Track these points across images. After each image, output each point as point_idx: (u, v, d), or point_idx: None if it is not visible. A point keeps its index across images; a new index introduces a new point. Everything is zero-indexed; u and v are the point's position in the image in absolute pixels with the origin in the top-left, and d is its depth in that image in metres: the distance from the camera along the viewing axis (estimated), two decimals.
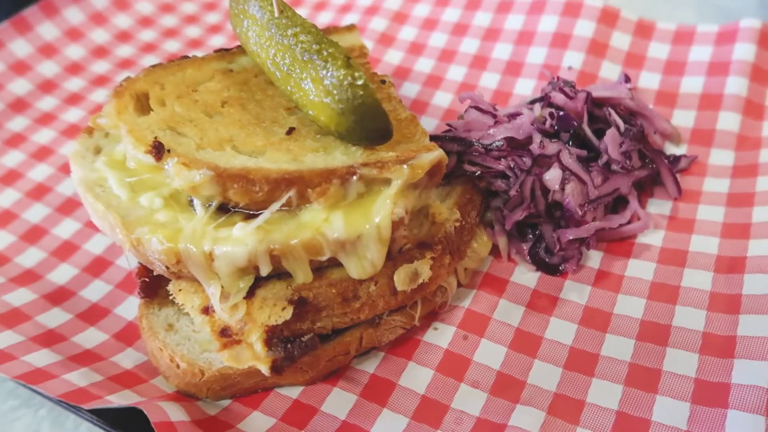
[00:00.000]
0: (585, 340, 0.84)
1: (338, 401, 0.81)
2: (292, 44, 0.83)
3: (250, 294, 0.78)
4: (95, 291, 0.98)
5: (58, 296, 0.98)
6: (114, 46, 1.50)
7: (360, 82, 0.76)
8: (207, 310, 0.78)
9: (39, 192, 1.16)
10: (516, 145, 0.94)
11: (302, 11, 1.52)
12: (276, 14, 0.88)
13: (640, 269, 0.92)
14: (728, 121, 1.10)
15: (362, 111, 0.76)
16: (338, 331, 0.82)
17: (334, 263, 0.79)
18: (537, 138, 0.94)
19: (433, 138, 0.92)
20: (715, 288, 0.87)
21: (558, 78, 1.09)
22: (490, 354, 0.84)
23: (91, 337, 0.91)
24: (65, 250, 1.05)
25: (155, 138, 0.79)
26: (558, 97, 1.00)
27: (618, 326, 0.85)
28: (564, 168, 0.91)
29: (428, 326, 0.89)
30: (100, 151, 0.94)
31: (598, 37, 1.25)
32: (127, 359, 0.88)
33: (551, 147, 0.93)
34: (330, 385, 0.83)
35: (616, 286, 0.90)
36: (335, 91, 0.77)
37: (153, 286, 0.89)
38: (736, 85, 1.13)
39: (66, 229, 1.09)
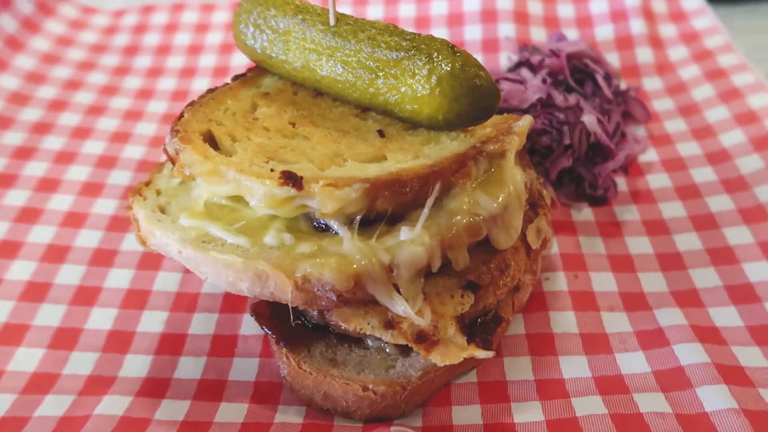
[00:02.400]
0: (660, 245, 1.00)
1: (517, 365, 0.85)
2: (371, 47, 0.83)
3: None
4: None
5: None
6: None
7: (473, 66, 0.79)
8: (390, 325, 0.76)
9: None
10: (544, 104, 1.06)
11: None
12: (332, 23, 0.86)
13: (658, 181, 1.11)
14: (644, 54, 1.36)
15: (479, 92, 0.80)
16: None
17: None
18: (557, 94, 1.06)
19: None
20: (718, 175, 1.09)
21: (527, 45, 1.23)
22: (604, 281, 0.95)
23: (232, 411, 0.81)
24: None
25: (283, 170, 0.73)
26: (547, 59, 1.14)
27: (676, 226, 1.02)
28: (590, 113, 1.05)
29: (540, 279, 0.96)
30: (163, 209, 0.83)
31: (518, 8, 1.43)
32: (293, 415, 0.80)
33: (571, 99, 1.07)
34: (498, 357, 0.86)
35: (651, 197, 1.08)
36: (450, 79, 0.79)
37: (289, 334, 0.82)
38: (638, 26, 1.39)
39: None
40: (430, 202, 0.77)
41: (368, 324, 0.76)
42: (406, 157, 0.80)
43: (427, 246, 0.75)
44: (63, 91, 1.35)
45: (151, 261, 1.01)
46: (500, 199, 0.81)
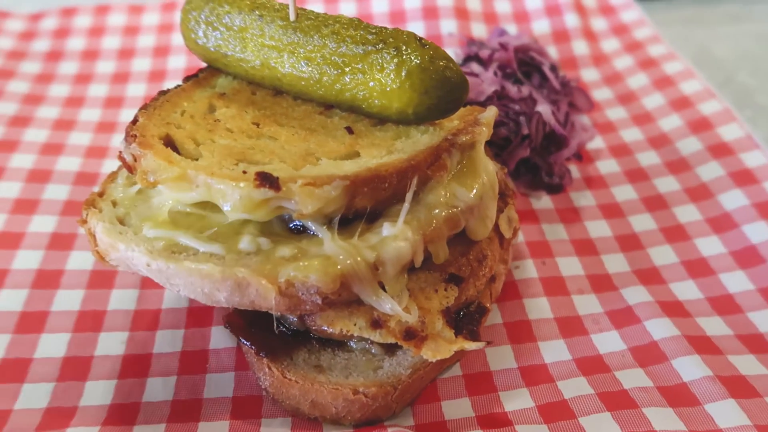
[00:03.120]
0: (617, 227, 1.04)
1: (499, 355, 0.85)
2: (336, 42, 0.81)
3: None
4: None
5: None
6: None
7: (442, 59, 0.79)
8: (377, 324, 0.74)
9: None
10: (500, 96, 1.07)
11: None
12: (292, 18, 0.83)
13: (608, 167, 1.15)
14: (580, 47, 1.41)
15: (449, 84, 0.80)
16: None
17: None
18: (510, 86, 1.08)
19: None
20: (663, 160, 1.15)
21: (474, 40, 1.25)
22: (570, 266, 0.97)
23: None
24: None
25: (257, 172, 0.70)
26: (496, 53, 1.16)
27: (630, 208, 1.07)
28: (543, 103, 1.08)
29: (510, 269, 0.97)
30: (122, 221, 0.77)
31: (457, 4, 1.44)
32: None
33: (524, 90, 1.09)
34: (480, 349, 0.86)
35: (603, 182, 1.12)
36: (420, 72, 0.78)
37: (269, 344, 0.78)
38: (572, 20, 1.44)
39: None
40: (409, 196, 0.76)
41: (355, 325, 0.74)
42: (380, 152, 0.79)
43: (411, 241, 0.73)
44: None
45: (102, 279, 0.93)
46: (475, 189, 0.81)
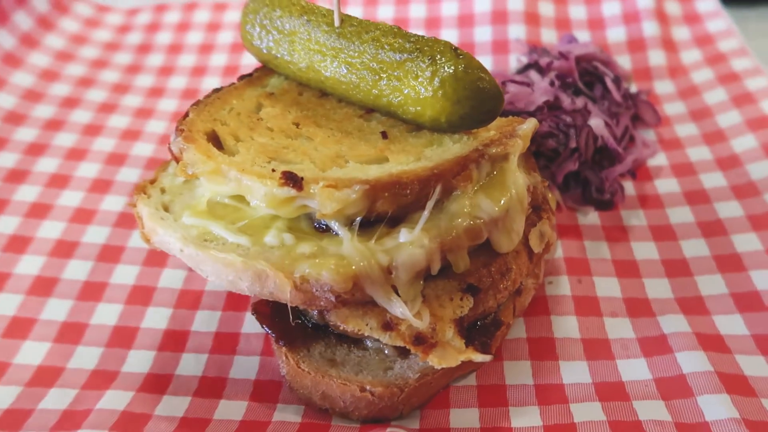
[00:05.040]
0: (666, 251, 0.99)
1: (517, 369, 0.84)
2: (375, 49, 0.83)
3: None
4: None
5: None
6: None
7: (476, 69, 0.79)
8: (388, 326, 0.76)
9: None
10: (551, 107, 1.05)
11: None
12: (337, 24, 0.86)
13: (667, 186, 1.10)
14: (656, 57, 1.34)
15: (482, 95, 0.80)
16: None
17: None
18: (565, 97, 1.05)
19: None
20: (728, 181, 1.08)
21: (536, 47, 1.22)
22: (608, 286, 0.94)
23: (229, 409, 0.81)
24: None
25: (284, 171, 0.74)
26: (556, 62, 1.13)
27: (683, 232, 1.01)
28: (597, 116, 1.05)
29: (543, 283, 0.96)
30: (167, 207, 0.84)
31: (529, 9, 1.42)
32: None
33: (579, 102, 1.06)
34: (498, 361, 0.86)
35: (659, 202, 1.07)
36: (453, 82, 0.79)
37: (289, 334, 0.83)
38: (651, 28, 1.37)
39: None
40: (430, 204, 0.77)
41: (366, 325, 0.76)
42: (408, 158, 0.80)
43: (426, 248, 0.75)
44: (76, 89, 1.37)
45: (156, 258, 1.02)
46: (502, 202, 0.80)
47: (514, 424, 0.77)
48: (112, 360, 0.88)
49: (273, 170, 0.76)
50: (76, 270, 1.00)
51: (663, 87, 1.30)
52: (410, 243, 0.74)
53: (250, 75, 0.97)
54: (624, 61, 1.34)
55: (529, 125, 0.87)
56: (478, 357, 0.75)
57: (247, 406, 0.81)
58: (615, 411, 0.76)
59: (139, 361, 0.88)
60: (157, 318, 0.93)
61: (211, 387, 0.84)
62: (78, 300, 0.96)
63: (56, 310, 0.94)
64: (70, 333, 0.91)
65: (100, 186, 1.15)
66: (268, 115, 0.89)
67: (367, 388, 0.77)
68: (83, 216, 1.09)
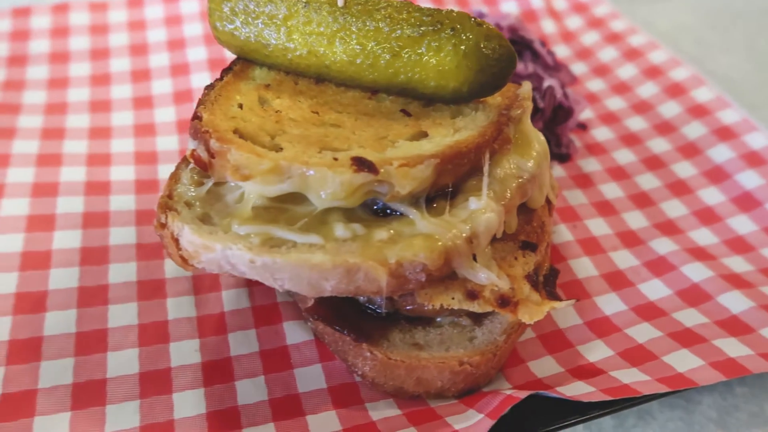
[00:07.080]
0: (627, 188, 1.13)
1: (562, 313, 0.90)
2: (390, 26, 0.82)
3: None
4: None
5: None
6: None
7: (496, 37, 0.82)
8: (473, 295, 0.76)
9: None
10: None
11: None
12: (341, 4, 0.83)
13: (603, 134, 1.24)
14: (548, 26, 1.50)
15: (503, 62, 0.83)
16: None
17: None
18: (519, 63, 1.13)
19: None
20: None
21: None
22: (598, 226, 1.04)
23: None
24: None
25: (353, 157, 0.70)
26: None
27: (633, 170, 1.16)
28: (548, 78, 1.15)
29: None
30: (203, 221, 0.74)
31: None
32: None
33: (530, 67, 1.15)
34: None
35: (602, 149, 1.21)
36: (477, 51, 0.81)
37: (363, 329, 0.79)
38: (537, 1, 1.53)
39: None
40: (486, 169, 0.79)
41: (453, 299, 0.76)
42: (447, 131, 0.81)
43: (497, 212, 0.77)
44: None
45: (151, 289, 0.88)
46: (533, 159, 0.85)
47: (591, 359, 0.83)
48: (154, 411, 0.75)
49: (335, 159, 0.71)
50: (62, 320, 0.83)
51: (561, 51, 1.46)
52: (483, 209, 0.76)
53: (231, 69, 0.89)
54: None
55: (527, 87, 0.92)
56: (561, 304, 0.79)
57: (338, 414, 0.76)
58: (664, 325, 0.86)
59: (188, 403, 0.76)
60: (185, 352, 0.82)
61: (287, 407, 0.77)
62: (78, 356, 0.80)
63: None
64: (88, 393, 0.76)
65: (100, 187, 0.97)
66: (282, 106, 0.82)
67: (465, 360, 0.77)
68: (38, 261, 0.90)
